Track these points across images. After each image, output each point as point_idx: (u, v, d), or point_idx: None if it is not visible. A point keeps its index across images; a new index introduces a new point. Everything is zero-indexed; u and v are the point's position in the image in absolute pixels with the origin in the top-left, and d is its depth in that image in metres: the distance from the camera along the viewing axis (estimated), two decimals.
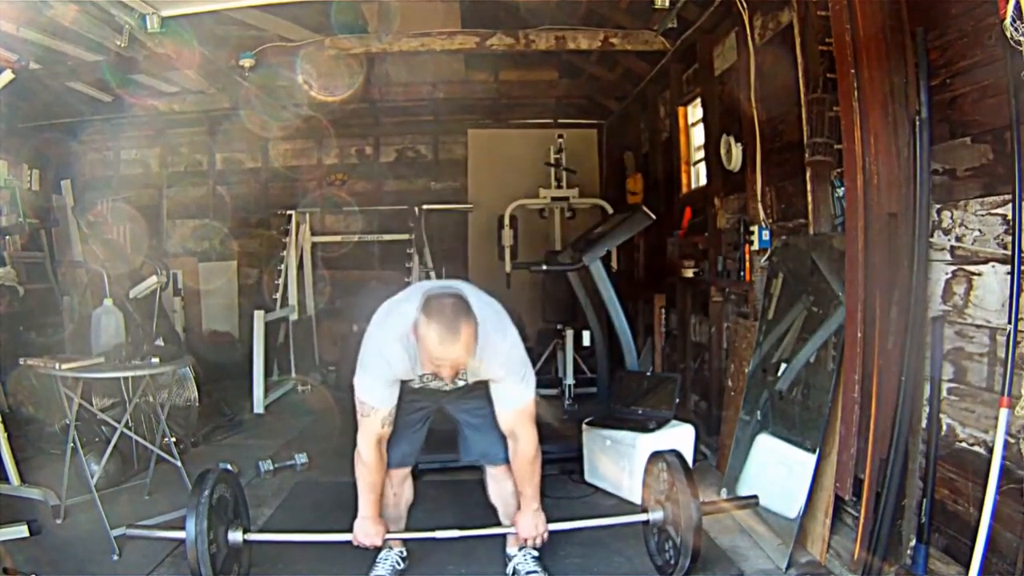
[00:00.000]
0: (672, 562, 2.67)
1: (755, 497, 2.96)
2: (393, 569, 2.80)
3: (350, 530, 2.55)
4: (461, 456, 2.81)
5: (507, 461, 2.63)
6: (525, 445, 2.48)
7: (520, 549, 2.80)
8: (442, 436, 2.85)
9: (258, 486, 3.95)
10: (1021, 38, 1.83)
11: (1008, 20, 1.83)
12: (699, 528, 2.54)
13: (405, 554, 2.87)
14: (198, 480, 2.61)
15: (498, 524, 2.83)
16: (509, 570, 2.79)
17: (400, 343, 2.33)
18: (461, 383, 2.48)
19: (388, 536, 2.58)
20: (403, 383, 2.47)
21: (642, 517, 2.82)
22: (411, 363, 2.36)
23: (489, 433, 2.63)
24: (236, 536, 2.64)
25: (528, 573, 2.73)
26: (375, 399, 2.41)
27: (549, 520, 2.59)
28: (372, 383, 2.41)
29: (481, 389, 2.56)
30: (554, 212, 6.69)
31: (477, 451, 2.74)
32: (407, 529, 2.86)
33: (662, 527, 2.75)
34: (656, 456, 2.87)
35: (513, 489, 2.69)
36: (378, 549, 2.83)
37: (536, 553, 2.80)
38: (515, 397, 2.45)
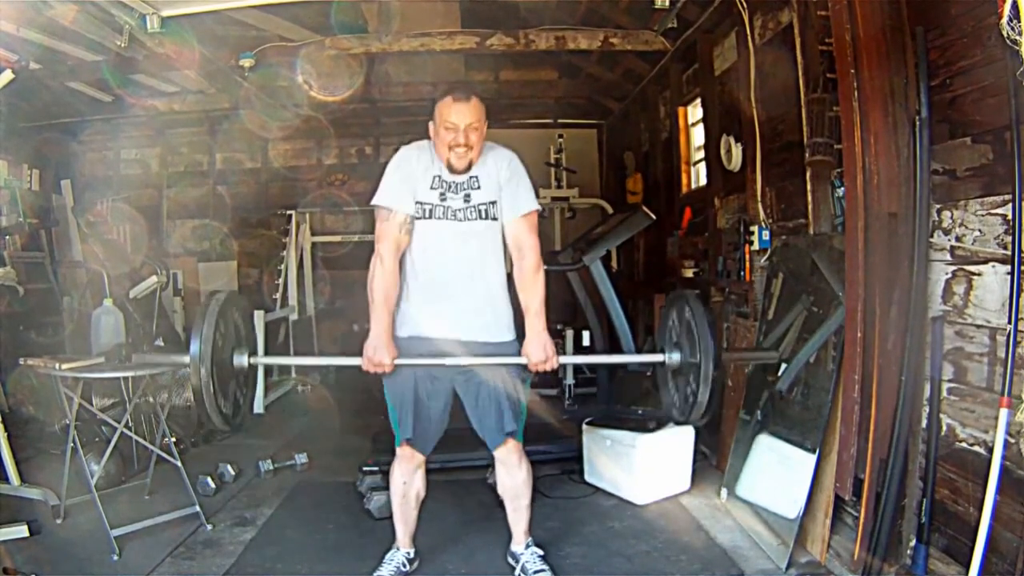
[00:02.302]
0: (690, 400, 2.59)
1: (774, 352, 2.97)
2: (398, 570, 2.76)
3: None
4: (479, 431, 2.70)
5: (512, 435, 2.61)
6: (529, 254, 2.54)
7: (527, 547, 2.79)
8: (442, 436, 2.85)
9: (258, 486, 3.95)
10: (1018, 37, 1.83)
11: (1005, 20, 1.83)
12: (718, 358, 2.48)
13: (412, 555, 2.83)
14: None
15: (501, 522, 2.83)
16: (517, 569, 2.77)
17: (415, 147, 2.59)
18: (475, 190, 2.52)
19: (398, 362, 2.49)
20: (419, 205, 2.51)
21: (658, 357, 2.75)
22: (427, 161, 2.53)
23: (503, 410, 2.59)
24: (242, 360, 2.61)
25: (536, 572, 2.73)
26: (391, 198, 2.50)
27: (549, 519, 2.59)
28: (388, 183, 2.52)
29: (487, 373, 2.55)
30: (554, 212, 6.71)
31: (488, 423, 2.65)
32: (415, 533, 2.81)
33: (678, 369, 2.69)
34: (674, 297, 2.81)
35: (525, 478, 2.70)
36: (385, 549, 2.82)
37: (542, 552, 2.80)
38: (521, 203, 2.55)
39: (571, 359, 2.69)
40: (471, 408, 2.65)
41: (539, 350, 2.50)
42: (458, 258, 2.54)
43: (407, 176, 2.52)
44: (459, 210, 2.52)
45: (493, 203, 2.54)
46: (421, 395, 2.59)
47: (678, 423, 2.75)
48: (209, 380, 2.40)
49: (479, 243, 2.55)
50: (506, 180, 2.55)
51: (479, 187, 2.54)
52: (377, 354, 2.47)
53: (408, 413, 2.59)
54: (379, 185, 2.55)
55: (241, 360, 2.61)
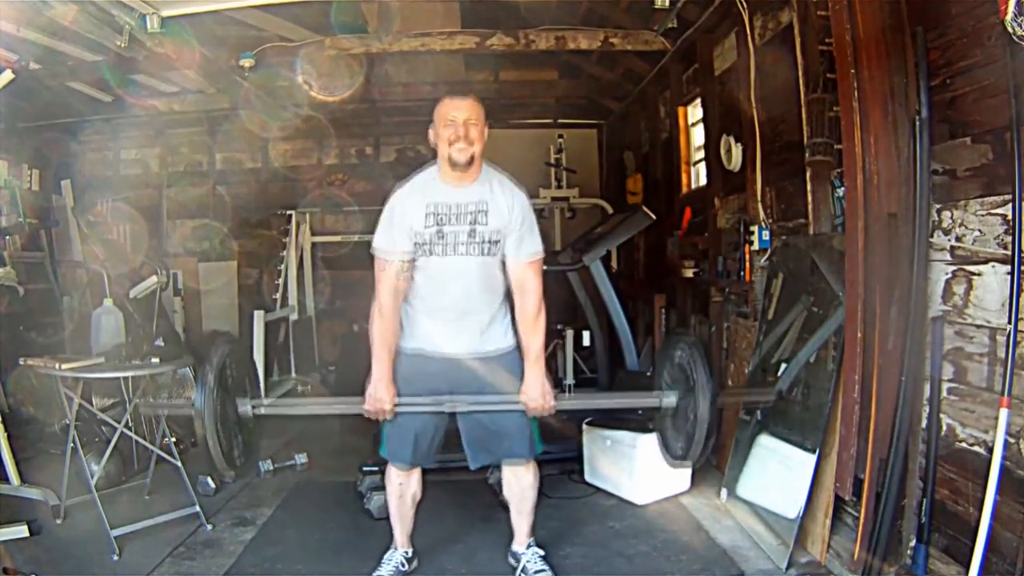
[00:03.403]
0: (687, 442, 2.60)
1: (772, 392, 2.98)
2: (397, 570, 2.77)
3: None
4: (471, 462, 2.74)
5: (531, 459, 2.65)
6: (531, 298, 2.56)
7: (528, 547, 2.80)
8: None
9: (258, 486, 3.95)
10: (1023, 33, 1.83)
11: (1009, 16, 1.83)
12: (715, 400, 2.50)
13: (410, 554, 2.84)
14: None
15: (501, 522, 2.83)
16: (518, 569, 2.78)
17: (407, 187, 2.55)
18: (482, 225, 2.49)
19: (398, 408, 2.53)
20: (417, 244, 2.50)
21: (654, 400, 2.77)
22: (419, 195, 2.51)
23: (511, 432, 2.63)
24: (245, 408, 2.65)
25: (537, 572, 2.73)
26: (389, 246, 2.51)
27: (549, 519, 2.60)
28: (384, 230, 2.53)
29: (491, 380, 2.57)
30: (554, 212, 6.70)
31: (496, 451, 2.70)
32: (412, 533, 2.82)
33: (675, 411, 2.69)
34: (671, 339, 2.83)
35: (532, 482, 2.72)
36: (383, 548, 2.83)
37: (543, 552, 2.80)
38: (529, 248, 2.56)
39: (569, 403, 2.72)
40: (475, 442, 2.68)
41: (538, 395, 2.54)
42: (459, 288, 2.56)
43: (400, 221, 2.50)
44: (460, 244, 2.50)
45: (497, 240, 2.53)
46: (419, 428, 2.63)
47: (676, 461, 2.79)
48: (214, 430, 2.46)
49: (480, 273, 2.56)
50: (518, 223, 2.54)
51: (487, 222, 2.50)
52: (379, 402, 2.52)
53: (402, 441, 2.64)
54: (378, 229, 2.54)
55: (245, 408, 2.65)
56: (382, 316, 2.53)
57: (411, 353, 2.61)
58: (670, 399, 2.68)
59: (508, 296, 2.64)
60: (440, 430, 2.69)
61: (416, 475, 2.73)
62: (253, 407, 2.68)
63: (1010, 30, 1.84)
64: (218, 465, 2.54)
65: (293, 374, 6.43)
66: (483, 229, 2.50)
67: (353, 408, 2.59)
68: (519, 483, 2.73)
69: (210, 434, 2.45)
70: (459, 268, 2.52)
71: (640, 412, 3.89)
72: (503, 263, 2.58)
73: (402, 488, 2.72)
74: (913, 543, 2.49)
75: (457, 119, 2.46)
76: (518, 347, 2.63)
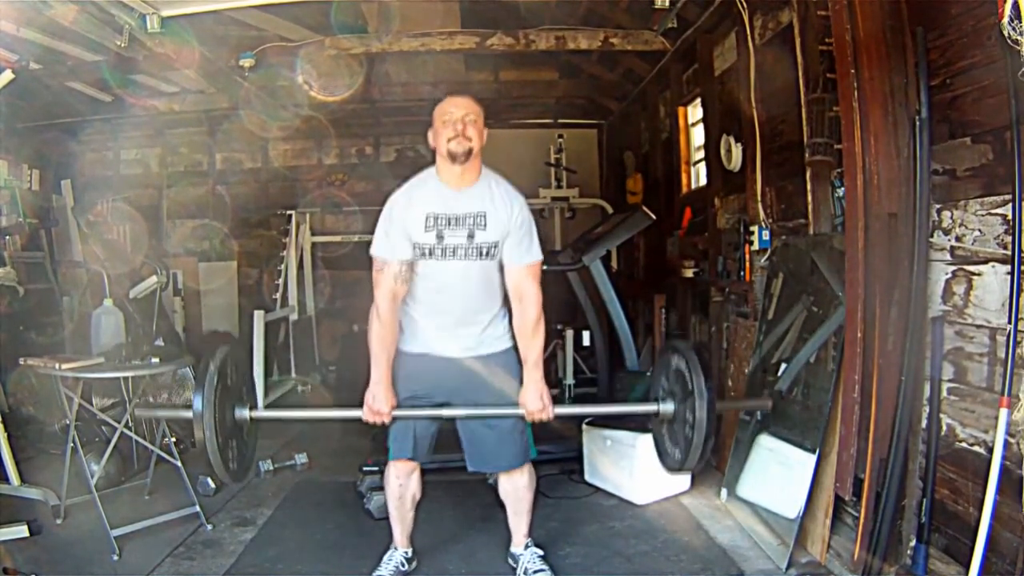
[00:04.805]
0: (685, 448, 2.60)
1: (768, 401, 2.99)
2: (397, 570, 2.77)
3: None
4: (469, 465, 2.75)
5: (523, 465, 2.66)
6: (530, 305, 2.56)
7: (526, 548, 2.80)
8: (441, 436, 2.84)
9: (258, 486, 3.95)
10: (1019, 37, 1.83)
11: (1006, 20, 1.83)
12: (713, 404, 2.48)
13: (410, 554, 2.84)
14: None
15: (501, 522, 2.83)
16: (519, 571, 2.78)
17: (406, 190, 2.55)
18: (480, 230, 2.50)
19: (396, 414, 2.54)
20: (418, 248, 2.50)
21: (652, 407, 2.75)
22: (418, 201, 2.50)
23: (506, 440, 2.64)
24: (243, 414, 2.65)
25: (536, 572, 2.73)
26: (386, 250, 2.51)
27: (549, 519, 2.60)
28: (382, 234, 2.52)
29: (489, 380, 2.58)
30: (554, 212, 6.70)
31: (492, 462, 2.73)
32: (412, 533, 2.83)
33: (672, 419, 2.69)
34: (668, 347, 2.82)
35: (527, 483, 2.72)
36: (383, 548, 2.83)
37: (542, 552, 2.80)
38: (527, 253, 2.56)
39: (566, 410, 2.72)
40: (472, 444, 2.70)
41: (536, 400, 2.55)
42: (457, 292, 2.57)
43: (398, 224, 2.50)
44: (459, 248, 2.50)
45: (496, 245, 2.54)
46: (417, 424, 2.64)
47: (674, 471, 2.78)
48: (213, 436, 2.45)
49: (479, 278, 2.57)
50: (516, 227, 2.54)
51: (485, 227, 2.51)
52: (376, 404, 2.52)
53: (408, 440, 2.65)
54: (376, 234, 2.55)
55: (242, 414, 2.65)
56: (380, 320, 2.53)
57: (412, 354, 2.62)
58: (668, 407, 2.68)
59: (506, 298, 2.65)
60: (436, 429, 2.70)
61: (416, 475, 2.73)
62: (251, 413, 2.69)
63: (1006, 34, 1.84)
64: (217, 471, 2.55)
65: (293, 374, 6.43)
66: (481, 234, 2.51)
67: (352, 415, 2.59)
68: (513, 484, 2.74)
69: (209, 441, 2.45)
70: (458, 272, 2.53)
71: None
72: (501, 267, 2.59)
73: (402, 489, 2.72)
74: (913, 543, 2.49)
75: (455, 115, 2.47)
76: (515, 347, 2.63)
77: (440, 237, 2.49)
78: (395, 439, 2.67)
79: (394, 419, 2.57)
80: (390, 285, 2.51)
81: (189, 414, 2.48)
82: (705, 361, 2.58)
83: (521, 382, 2.60)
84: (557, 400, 4.68)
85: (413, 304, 2.61)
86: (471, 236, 2.50)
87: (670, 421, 2.70)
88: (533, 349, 2.57)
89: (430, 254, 2.51)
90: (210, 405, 2.45)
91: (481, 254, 2.52)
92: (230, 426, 2.59)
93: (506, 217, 2.52)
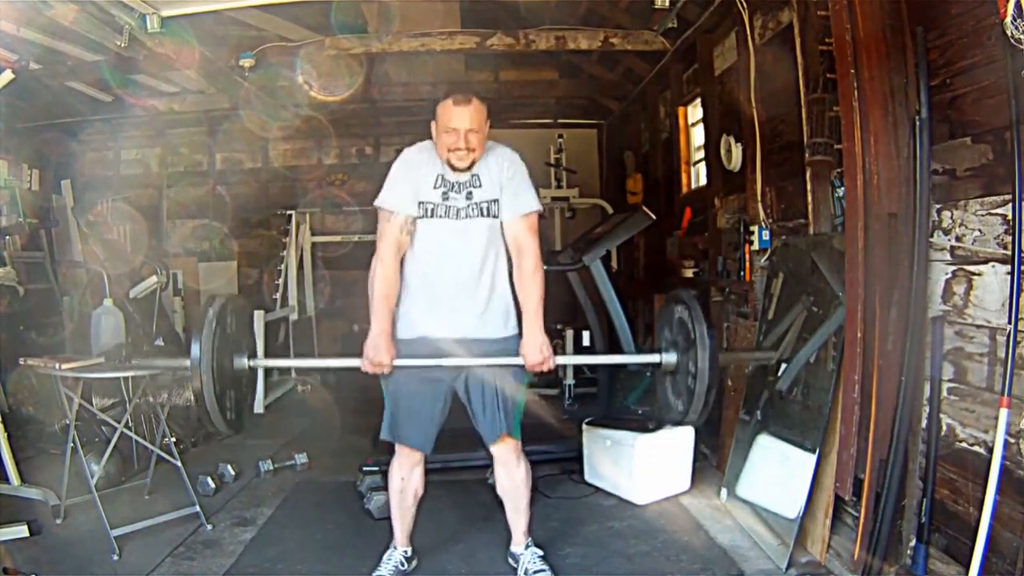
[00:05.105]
0: (687, 400, 2.58)
1: (772, 353, 3.00)
2: (397, 569, 2.76)
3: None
4: (489, 435, 2.65)
5: (508, 433, 2.61)
6: (528, 256, 2.55)
7: (527, 547, 2.79)
8: (441, 436, 2.85)
9: (258, 486, 3.95)
10: (1022, 36, 1.83)
11: (1008, 19, 1.83)
12: (715, 353, 2.48)
13: (410, 553, 2.83)
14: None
15: (501, 522, 2.83)
16: (519, 570, 2.77)
17: (418, 148, 2.60)
18: (477, 188, 2.53)
19: (398, 363, 2.51)
20: (423, 205, 2.52)
21: (655, 358, 2.74)
22: (429, 161, 2.55)
23: (498, 408, 2.59)
24: (242, 362, 2.64)
25: (536, 572, 2.72)
26: (393, 200, 2.53)
27: (549, 519, 2.59)
28: (391, 184, 2.55)
29: (485, 371, 2.56)
30: (554, 212, 6.70)
31: (486, 427, 2.65)
32: (412, 532, 2.82)
33: (675, 370, 2.67)
34: (670, 298, 2.81)
35: (524, 477, 2.70)
36: (383, 548, 2.82)
37: (542, 552, 2.80)
38: (522, 203, 2.57)
39: (567, 359, 2.70)
40: (469, 406, 2.65)
41: (535, 351, 2.51)
42: (460, 256, 2.55)
43: (409, 177, 2.54)
44: (461, 208, 2.54)
45: (495, 201, 2.55)
46: (419, 399, 2.60)
47: (676, 423, 2.74)
48: (211, 383, 2.42)
49: (481, 241, 2.56)
50: (508, 179, 2.56)
51: (480, 185, 2.55)
52: (377, 354, 2.48)
53: (405, 417, 2.61)
54: (383, 184, 2.57)
55: (241, 363, 2.61)
56: (384, 269, 2.52)
57: (405, 341, 2.58)
58: (671, 357, 2.66)
59: (511, 287, 2.62)
60: (443, 409, 2.64)
61: (419, 470, 2.71)
62: (250, 361, 2.66)
63: (1008, 33, 1.84)
64: (214, 421, 2.50)
65: (293, 374, 6.44)
66: (479, 192, 2.54)
67: (351, 364, 2.55)
68: (511, 479, 2.72)
69: (207, 389, 2.41)
70: (460, 229, 2.53)
71: (640, 412, 3.91)
72: (509, 260, 2.57)
73: (404, 483, 2.70)
74: (913, 543, 2.49)
75: (459, 129, 2.47)
76: (518, 337, 2.59)
77: (445, 196, 2.53)
78: (396, 424, 2.61)
79: (390, 372, 2.52)
80: (395, 235, 2.52)
81: (187, 363, 2.45)
82: (707, 310, 2.56)
83: (519, 379, 2.58)
84: (557, 400, 4.71)
85: (410, 279, 2.58)
86: (470, 196, 2.54)
87: (672, 372, 2.69)
88: (531, 299, 2.54)
89: (433, 213, 2.52)
90: (208, 353, 2.42)
91: (482, 212, 2.54)
92: (229, 376, 2.56)
93: (497, 171, 2.55)
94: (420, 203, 2.53)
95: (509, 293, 2.63)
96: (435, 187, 2.53)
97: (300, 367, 2.89)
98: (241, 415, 2.71)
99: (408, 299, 2.60)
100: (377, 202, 2.56)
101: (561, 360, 2.59)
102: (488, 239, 2.57)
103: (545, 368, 2.54)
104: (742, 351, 3.22)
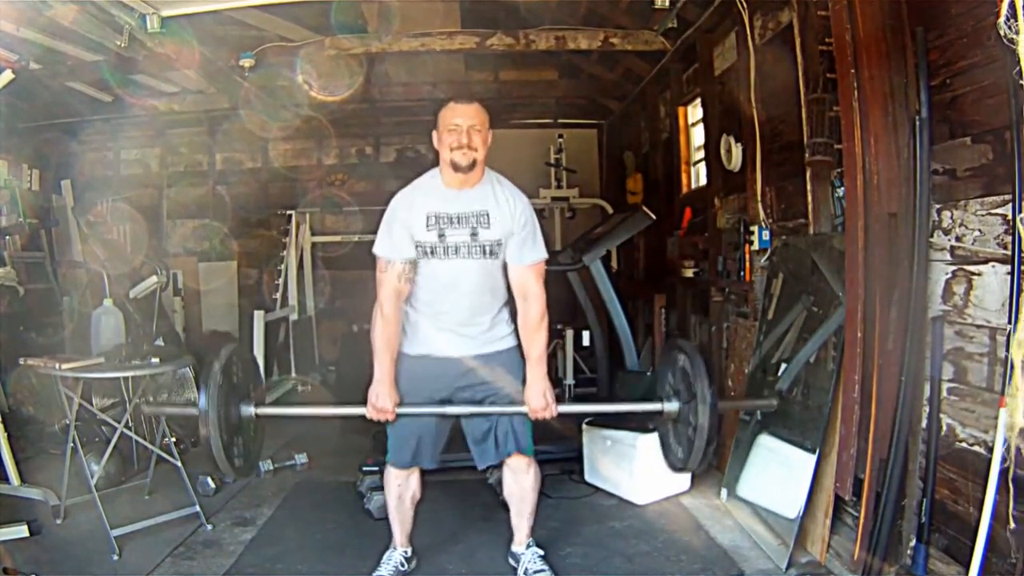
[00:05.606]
0: (687, 451, 2.61)
1: (772, 400, 3.00)
2: (396, 569, 2.77)
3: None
4: (479, 462, 2.74)
5: (522, 451, 2.64)
6: (534, 303, 2.57)
7: (528, 547, 2.79)
8: None
9: (258, 486, 3.95)
10: (1015, 36, 1.83)
11: (1002, 19, 1.83)
12: (715, 409, 2.49)
13: (409, 554, 2.84)
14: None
15: (501, 522, 2.82)
16: (519, 570, 2.77)
17: (407, 192, 2.57)
18: (484, 228, 2.50)
19: (400, 410, 2.54)
20: (420, 247, 2.51)
21: (657, 407, 2.76)
22: (419, 201, 2.52)
23: (515, 424, 2.63)
24: (248, 411, 2.66)
25: (536, 572, 2.73)
26: (388, 249, 2.52)
27: (549, 519, 2.59)
28: (384, 233, 2.54)
29: (492, 378, 2.59)
30: (554, 212, 6.70)
31: (501, 451, 2.67)
32: (412, 533, 2.83)
33: (676, 418, 2.69)
34: (672, 346, 2.83)
35: (532, 484, 2.71)
36: (383, 548, 2.83)
37: (542, 552, 2.80)
38: (532, 252, 2.57)
39: (569, 408, 2.72)
40: (473, 437, 2.69)
41: (539, 397, 2.54)
42: (460, 291, 2.57)
43: (401, 224, 2.52)
44: (462, 246, 2.51)
45: (499, 243, 2.54)
46: (422, 427, 2.64)
47: (677, 470, 2.79)
48: (218, 435, 2.47)
49: (482, 276, 2.57)
50: (520, 227, 2.55)
51: (488, 226, 2.52)
52: (380, 401, 2.52)
53: (407, 448, 2.65)
54: (379, 233, 2.56)
55: (248, 411, 2.66)
56: (384, 319, 2.53)
57: (415, 356, 2.62)
58: (672, 406, 2.68)
59: (510, 297, 2.64)
60: (444, 431, 2.70)
61: (415, 476, 2.73)
62: (256, 410, 2.70)
63: (1002, 33, 1.83)
64: (222, 468, 2.56)
65: (293, 374, 6.44)
66: (485, 233, 2.51)
67: (355, 412, 2.60)
68: (519, 485, 2.73)
69: (214, 439, 2.46)
70: (461, 271, 2.53)
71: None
72: (504, 267, 2.59)
73: (400, 489, 2.72)
74: (913, 543, 2.49)
75: (461, 125, 2.46)
76: (519, 346, 2.63)
77: (442, 235, 2.50)
78: (394, 446, 2.67)
79: (398, 416, 2.56)
80: (394, 284, 2.52)
81: (195, 411, 2.49)
82: (709, 364, 2.59)
83: (524, 381, 2.60)
84: (558, 399, 4.70)
85: (415, 305, 2.61)
86: (474, 234, 2.51)
87: (674, 420, 2.71)
88: (536, 346, 2.58)
89: (432, 253, 2.51)
90: (215, 402, 2.46)
91: (485, 252, 2.52)
92: (235, 423, 2.60)
93: (509, 216, 2.53)
94: (417, 245, 2.52)
95: (509, 311, 2.67)
96: (428, 228, 2.50)
97: (303, 415, 2.90)
98: (249, 459, 2.75)
99: (413, 326, 2.63)
100: (374, 250, 2.56)
101: (563, 409, 2.61)
102: (488, 272, 2.58)
103: (548, 415, 2.56)
104: (742, 400, 3.25)
